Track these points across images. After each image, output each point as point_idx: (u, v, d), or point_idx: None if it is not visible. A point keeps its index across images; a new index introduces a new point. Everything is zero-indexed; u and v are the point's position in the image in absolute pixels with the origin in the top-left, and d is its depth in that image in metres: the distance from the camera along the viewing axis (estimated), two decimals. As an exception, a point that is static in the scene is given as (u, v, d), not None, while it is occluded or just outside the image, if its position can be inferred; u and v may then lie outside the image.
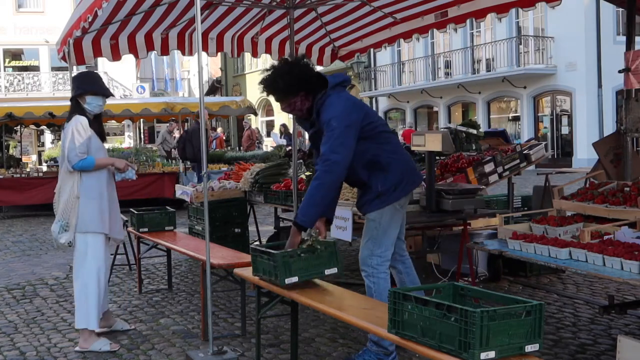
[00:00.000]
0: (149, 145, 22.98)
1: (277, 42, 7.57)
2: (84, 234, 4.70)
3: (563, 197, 5.16)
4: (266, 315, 4.47)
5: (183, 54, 7.28)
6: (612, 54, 21.26)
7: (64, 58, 6.31)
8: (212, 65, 42.29)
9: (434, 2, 6.31)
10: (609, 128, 21.96)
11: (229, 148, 23.65)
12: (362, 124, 3.98)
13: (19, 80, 33.02)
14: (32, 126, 19.17)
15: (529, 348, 2.54)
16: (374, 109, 31.43)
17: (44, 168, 18.00)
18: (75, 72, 5.38)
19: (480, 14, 6.23)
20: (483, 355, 2.46)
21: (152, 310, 5.73)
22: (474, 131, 7.69)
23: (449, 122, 27.74)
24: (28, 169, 16.13)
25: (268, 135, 32.49)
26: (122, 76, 33.01)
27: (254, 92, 35.68)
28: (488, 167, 6.65)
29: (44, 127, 20.22)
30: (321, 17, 6.96)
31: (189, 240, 6.27)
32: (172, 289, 6.52)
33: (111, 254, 7.02)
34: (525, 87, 25.20)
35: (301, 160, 7.78)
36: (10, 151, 20.96)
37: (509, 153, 6.96)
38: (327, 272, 3.89)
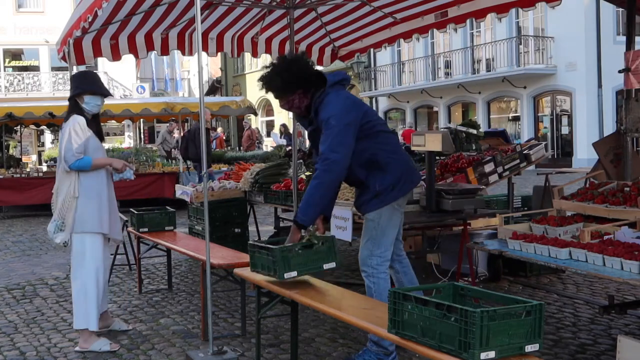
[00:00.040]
0: (149, 145, 22.98)
1: (277, 42, 7.57)
2: (82, 234, 4.68)
3: (563, 197, 5.16)
4: (266, 315, 4.47)
5: (183, 54, 7.29)
6: (612, 54, 21.26)
7: (64, 58, 6.32)
8: (212, 65, 42.30)
9: (434, 2, 6.31)
10: (609, 128, 21.96)
11: (229, 148, 23.65)
12: (361, 122, 3.97)
13: (19, 80, 33.02)
14: (32, 126, 19.18)
15: (529, 348, 2.54)
16: (374, 109, 31.44)
17: (44, 168, 18.01)
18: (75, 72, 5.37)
19: (480, 14, 6.23)
20: (483, 355, 2.46)
21: (152, 310, 5.73)
22: (474, 131, 7.69)
23: (449, 122, 27.74)
24: (28, 169, 16.13)
25: (268, 135, 32.49)
26: (122, 76, 33.02)
27: (254, 92, 35.68)
28: (488, 167, 6.65)
29: (44, 127, 20.23)
30: (321, 17, 6.96)
31: (189, 240, 6.27)
32: (172, 289, 6.52)
33: (111, 254, 7.03)
34: (525, 87, 25.21)
35: (301, 160, 7.78)
36: (10, 151, 20.96)
37: (509, 153, 6.96)
38: (326, 266, 3.94)
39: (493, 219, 6.13)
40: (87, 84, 4.81)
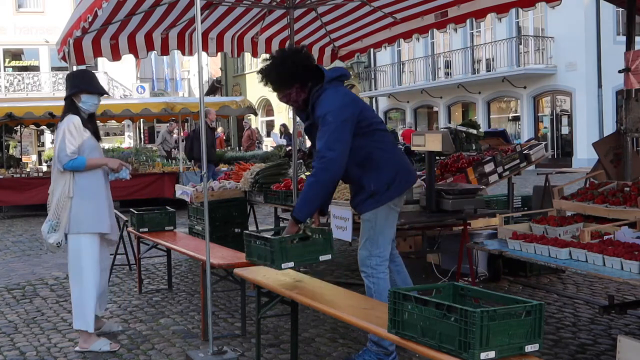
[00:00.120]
0: (149, 145, 22.97)
1: (277, 42, 7.57)
2: (77, 235, 4.64)
3: (563, 197, 5.16)
4: (266, 315, 4.47)
5: (183, 54, 7.29)
6: (612, 54, 21.26)
7: (64, 58, 6.31)
8: (212, 65, 42.29)
9: (434, 2, 6.31)
10: (609, 128, 21.97)
11: (229, 148, 23.66)
12: (357, 119, 3.96)
13: (19, 80, 33.01)
14: (32, 126, 19.18)
15: (529, 348, 2.54)
16: (374, 109, 31.45)
17: (44, 168, 18.00)
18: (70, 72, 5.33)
19: (480, 14, 6.23)
20: (483, 355, 2.46)
21: (152, 310, 5.73)
22: (474, 131, 7.70)
23: (449, 122, 27.75)
24: (28, 169, 16.13)
25: (268, 135, 32.49)
26: (122, 76, 33.01)
27: (254, 92, 35.71)
28: (488, 167, 6.65)
29: (44, 127, 20.23)
30: (321, 17, 6.96)
31: (189, 240, 6.27)
32: (172, 289, 6.52)
33: (111, 254, 7.03)
34: (525, 87, 25.21)
35: (301, 160, 7.78)
36: (10, 151, 20.96)
37: (509, 153, 6.96)
38: (322, 258, 4.01)
39: (493, 219, 6.14)
40: (83, 83, 4.77)
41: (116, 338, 4.94)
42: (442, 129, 9.79)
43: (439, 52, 28.54)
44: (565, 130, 24.71)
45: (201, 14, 4.56)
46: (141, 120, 20.71)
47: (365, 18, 6.94)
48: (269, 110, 37.88)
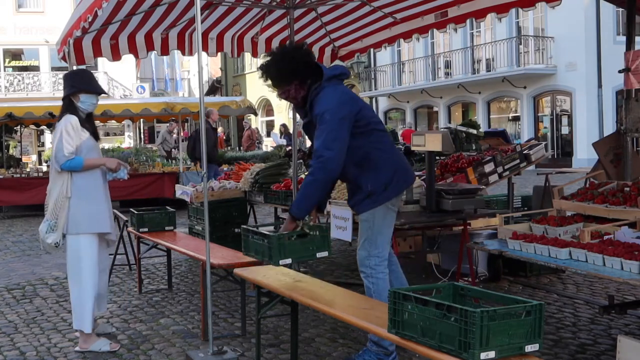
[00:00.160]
0: (149, 145, 22.98)
1: (277, 42, 7.57)
2: (76, 235, 4.62)
3: (563, 197, 5.16)
4: (266, 315, 4.47)
5: (183, 54, 7.29)
6: (612, 54, 21.27)
7: (64, 58, 6.31)
8: (212, 65, 42.30)
9: (434, 2, 6.31)
10: (609, 128, 21.96)
11: (229, 148, 23.66)
12: (355, 118, 3.95)
13: (19, 80, 33.02)
14: (32, 126, 19.18)
15: (529, 348, 2.54)
16: (374, 109, 31.44)
17: (44, 168, 17.99)
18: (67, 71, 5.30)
19: (480, 14, 6.23)
20: (483, 355, 2.46)
21: (152, 310, 5.73)
22: (474, 131, 7.71)
23: (449, 122, 27.75)
24: (28, 169, 16.13)
25: (268, 135, 32.50)
26: (122, 76, 33.02)
27: (254, 92, 35.72)
28: (488, 167, 6.65)
29: (44, 127, 20.22)
30: (321, 17, 6.96)
31: (189, 240, 6.27)
32: (172, 289, 6.52)
33: (111, 254, 7.03)
34: (525, 87, 25.21)
35: (301, 160, 7.78)
36: (10, 151, 20.96)
37: (509, 153, 6.96)
38: (319, 254, 4.08)
39: (493, 219, 6.14)
40: (82, 83, 4.74)
41: (116, 338, 4.94)
42: (442, 129, 9.79)
43: (439, 52, 28.54)
44: (565, 130, 24.71)
45: (201, 14, 4.56)
46: (141, 120, 20.70)
47: (365, 18, 6.94)
48: (269, 110, 37.88)
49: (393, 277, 4.31)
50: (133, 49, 6.85)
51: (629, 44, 5.65)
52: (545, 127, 25.26)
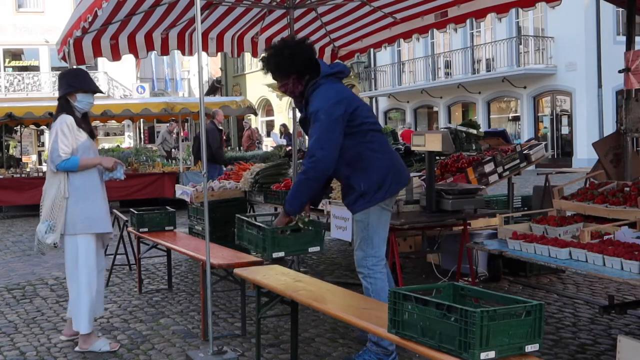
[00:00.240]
0: (149, 145, 22.98)
1: (277, 42, 7.56)
2: (74, 236, 4.60)
3: (563, 197, 5.16)
4: (266, 315, 4.47)
5: (183, 54, 7.29)
6: (612, 54, 21.27)
7: (64, 58, 6.32)
8: (212, 65, 42.31)
9: (434, 2, 6.31)
10: (609, 128, 21.96)
11: (229, 148, 23.66)
12: (349, 118, 3.95)
13: (19, 80, 33.02)
14: (32, 126, 19.17)
15: (529, 348, 2.54)
16: (374, 109, 31.45)
17: (44, 168, 17.99)
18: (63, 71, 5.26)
19: (480, 14, 6.23)
20: (483, 355, 2.46)
21: (152, 310, 5.73)
22: (474, 131, 7.70)
23: (449, 122, 27.74)
24: (28, 169, 16.13)
25: (268, 135, 32.50)
26: (122, 76, 33.03)
27: (254, 92, 35.72)
28: (488, 167, 6.65)
29: (44, 127, 20.20)
30: (321, 17, 6.96)
31: (189, 240, 6.27)
32: (172, 289, 6.52)
33: (110, 254, 7.04)
34: (525, 87, 25.21)
35: (301, 160, 7.76)
36: (10, 151, 20.95)
37: (509, 153, 6.96)
38: (311, 249, 4.26)
39: (493, 219, 6.13)
40: (79, 82, 4.71)
41: (116, 338, 4.94)
42: (442, 129, 9.79)
43: (439, 52, 28.54)
44: (565, 130, 24.71)
45: (201, 14, 4.56)
46: (141, 120, 20.69)
47: (365, 18, 6.95)
48: (269, 110, 37.88)
49: None
50: (133, 49, 6.85)
51: (629, 44, 5.65)
52: (545, 127, 25.26)
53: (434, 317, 2.64)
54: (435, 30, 6.92)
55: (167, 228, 6.52)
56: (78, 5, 5.59)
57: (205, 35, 7.08)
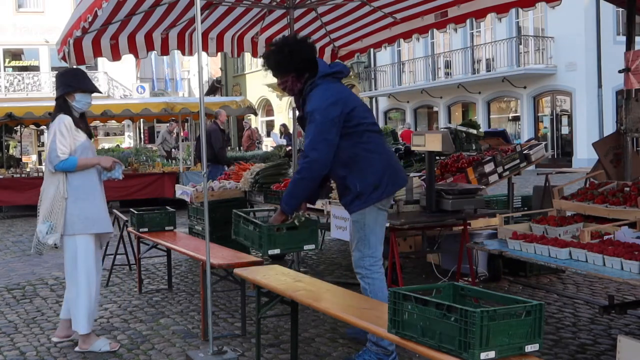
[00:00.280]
0: (149, 145, 22.98)
1: (277, 42, 7.56)
2: (73, 236, 4.59)
3: (563, 197, 5.16)
4: (266, 315, 4.47)
5: (183, 54, 7.29)
6: (612, 54, 21.27)
7: (64, 58, 6.32)
8: (212, 65, 42.30)
9: (434, 2, 6.31)
10: (609, 128, 21.96)
11: (229, 148, 23.64)
12: (345, 119, 3.94)
13: (19, 80, 33.02)
14: (32, 126, 19.21)
15: (529, 348, 2.54)
16: (374, 109, 31.46)
17: (44, 168, 18.00)
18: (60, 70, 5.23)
19: (480, 14, 6.24)
20: (483, 355, 2.46)
21: (152, 310, 5.73)
22: (474, 131, 7.70)
23: (449, 122, 27.74)
24: (28, 169, 16.14)
25: (268, 135, 32.50)
26: (122, 76, 33.03)
27: (254, 92, 35.71)
28: (488, 167, 6.65)
29: (44, 127, 20.21)
30: (321, 17, 6.96)
31: (189, 240, 6.27)
32: (172, 289, 6.52)
33: (111, 254, 7.04)
34: (525, 87, 25.21)
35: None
36: (10, 151, 20.96)
37: (509, 153, 6.96)
38: (306, 247, 4.41)
39: (493, 219, 6.13)
40: (78, 82, 4.70)
41: (116, 338, 4.94)
42: (442, 129, 9.78)
43: (439, 52, 28.54)
44: (565, 130, 24.71)
45: (201, 14, 4.56)
46: (141, 120, 20.70)
47: (365, 18, 6.95)
48: (269, 110, 37.88)
49: None
50: (133, 49, 6.85)
51: (629, 44, 5.65)
52: (545, 127, 25.26)
53: (434, 317, 2.64)
54: (435, 30, 6.92)
55: (167, 228, 6.52)
56: (78, 5, 5.59)
57: (205, 35, 7.08)
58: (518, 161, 6.85)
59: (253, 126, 25.50)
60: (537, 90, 25.07)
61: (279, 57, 4.07)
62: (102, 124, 25.67)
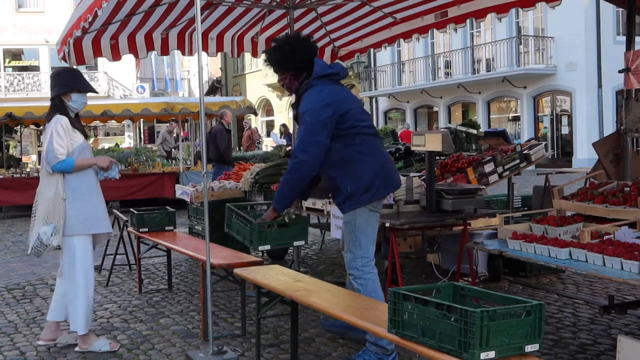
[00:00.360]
0: (149, 145, 22.98)
1: (277, 42, 7.56)
2: (71, 237, 4.58)
3: (563, 197, 5.16)
4: (266, 315, 4.47)
5: (183, 54, 7.30)
6: (612, 54, 21.27)
7: (64, 58, 6.32)
8: (212, 65, 42.31)
9: (434, 2, 6.32)
10: (609, 128, 21.96)
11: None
12: (338, 121, 3.94)
13: (19, 80, 33.02)
14: (32, 126, 19.17)
15: (529, 348, 2.54)
16: (374, 109, 31.47)
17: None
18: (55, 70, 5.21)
19: (480, 14, 6.24)
20: (483, 355, 2.46)
21: (152, 310, 5.73)
22: (474, 131, 7.70)
23: (449, 122, 27.75)
24: (28, 169, 16.12)
25: (268, 135, 32.50)
26: (122, 76, 33.02)
27: (254, 92, 35.71)
28: (488, 167, 6.65)
29: (43, 127, 20.26)
30: (321, 17, 6.97)
31: (189, 240, 6.26)
32: (172, 289, 6.52)
33: (111, 254, 7.04)
34: (525, 87, 25.21)
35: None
36: (10, 151, 20.95)
37: (509, 153, 6.96)
38: (296, 243, 4.59)
39: (493, 219, 6.13)
40: (75, 82, 4.68)
41: (116, 338, 4.94)
42: (442, 129, 9.78)
43: (439, 52, 28.54)
44: (565, 130, 24.71)
45: (201, 14, 4.56)
46: (141, 120, 20.70)
47: (365, 18, 6.95)
48: (269, 110, 37.88)
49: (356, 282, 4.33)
50: (133, 49, 6.85)
51: (629, 44, 5.65)
52: (545, 127, 25.26)
53: (433, 317, 2.64)
54: (435, 30, 6.92)
55: (167, 228, 6.52)
56: (78, 5, 5.59)
57: (205, 35, 7.08)
58: (518, 161, 6.85)
59: (253, 126, 25.50)
60: (537, 90, 25.07)
61: (279, 54, 4.11)
62: (102, 124, 25.68)
